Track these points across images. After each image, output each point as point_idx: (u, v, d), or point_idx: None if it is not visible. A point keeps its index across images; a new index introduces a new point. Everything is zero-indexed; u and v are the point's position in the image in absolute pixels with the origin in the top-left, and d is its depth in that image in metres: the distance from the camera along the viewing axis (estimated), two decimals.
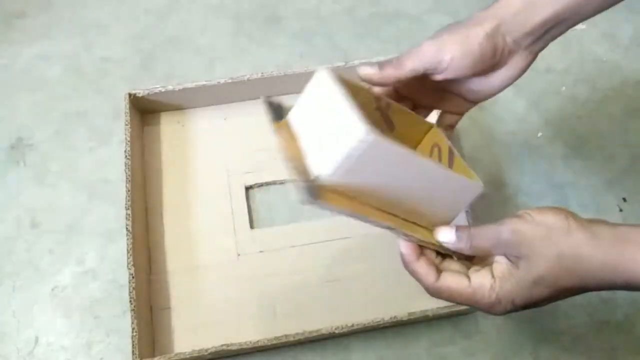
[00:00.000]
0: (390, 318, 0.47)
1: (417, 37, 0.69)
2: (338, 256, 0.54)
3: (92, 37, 0.68)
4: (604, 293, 0.54)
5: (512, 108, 0.64)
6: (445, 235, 0.36)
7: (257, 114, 0.61)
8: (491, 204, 0.58)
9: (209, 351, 0.46)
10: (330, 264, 0.54)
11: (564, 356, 0.52)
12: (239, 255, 0.54)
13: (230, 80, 0.57)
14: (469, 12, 0.71)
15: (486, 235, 0.34)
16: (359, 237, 0.55)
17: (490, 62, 0.39)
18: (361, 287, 0.53)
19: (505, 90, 0.68)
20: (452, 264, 0.37)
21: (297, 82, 0.58)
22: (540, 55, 0.68)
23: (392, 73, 0.38)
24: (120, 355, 0.50)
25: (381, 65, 0.38)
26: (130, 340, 0.46)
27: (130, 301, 0.47)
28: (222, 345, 0.46)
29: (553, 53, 0.68)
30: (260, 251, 0.54)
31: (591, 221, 0.33)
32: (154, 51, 0.67)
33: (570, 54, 0.68)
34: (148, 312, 0.51)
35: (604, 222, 0.34)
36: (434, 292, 0.35)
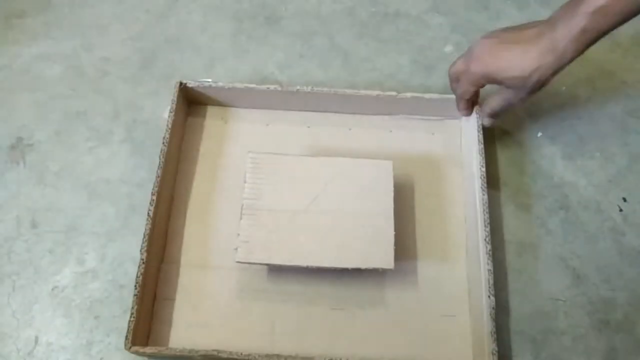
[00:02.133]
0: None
1: (417, 37, 0.69)
2: (348, 284, 0.53)
3: (92, 37, 0.68)
4: (604, 292, 0.54)
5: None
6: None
7: (298, 125, 0.61)
8: (491, 204, 0.58)
9: (200, 353, 0.46)
10: (338, 290, 0.53)
11: (564, 356, 0.52)
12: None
13: (280, 89, 0.58)
14: (469, 12, 0.71)
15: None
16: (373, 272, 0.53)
17: None
18: (365, 321, 0.52)
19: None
20: None
21: (344, 102, 0.59)
22: None
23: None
24: (120, 355, 0.51)
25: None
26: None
27: (135, 285, 0.48)
28: (212, 350, 0.46)
29: None
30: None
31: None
32: (154, 51, 0.67)
33: None
34: (151, 300, 0.51)
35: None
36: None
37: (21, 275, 0.54)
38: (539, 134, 0.63)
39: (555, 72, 0.46)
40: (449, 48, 0.68)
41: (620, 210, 0.59)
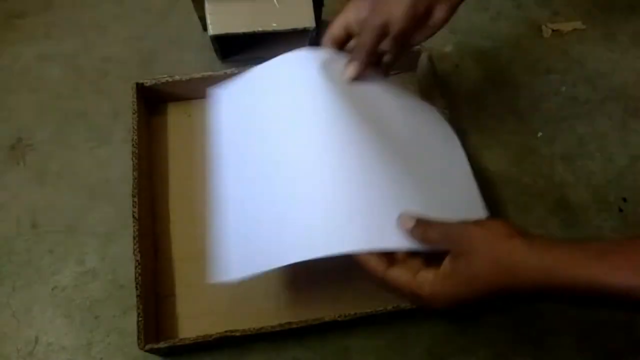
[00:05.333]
0: (393, 307, 0.48)
1: None
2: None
3: (92, 37, 0.68)
4: None
5: (512, 108, 0.64)
6: (405, 222, 0.38)
7: None
8: (491, 205, 0.58)
9: (213, 337, 0.46)
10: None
11: (564, 356, 0.52)
12: None
13: (237, 71, 0.57)
14: (468, 12, 0.71)
15: (438, 228, 0.37)
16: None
17: (420, 18, 0.43)
18: (365, 278, 0.53)
19: (506, 91, 0.68)
20: (407, 262, 0.38)
21: None
22: (540, 55, 0.68)
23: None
24: (120, 355, 0.51)
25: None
26: (130, 337, 0.46)
27: (136, 287, 0.48)
28: (225, 332, 0.46)
29: (553, 53, 0.68)
30: None
31: (532, 234, 0.35)
32: (154, 51, 0.67)
33: (570, 54, 0.68)
34: (153, 299, 0.51)
35: (543, 236, 0.36)
36: (382, 283, 0.37)
37: (21, 275, 0.54)
38: (539, 134, 0.63)
39: None
40: (449, 48, 0.68)
41: (620, 210, 0.59)
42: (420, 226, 0.37)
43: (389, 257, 0.38)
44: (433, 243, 0.37)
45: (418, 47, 0.62)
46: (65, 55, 0.66)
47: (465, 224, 0.37)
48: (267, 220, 0.42)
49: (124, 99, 0.60)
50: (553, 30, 0.69)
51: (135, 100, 0.56)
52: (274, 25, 0.59)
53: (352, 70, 0.46)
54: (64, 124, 0.62)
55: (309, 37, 0.62)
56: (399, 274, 0.37)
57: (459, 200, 0.45)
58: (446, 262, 0.36)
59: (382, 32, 0.43)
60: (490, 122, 0.63)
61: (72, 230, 0.56)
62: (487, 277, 0.34)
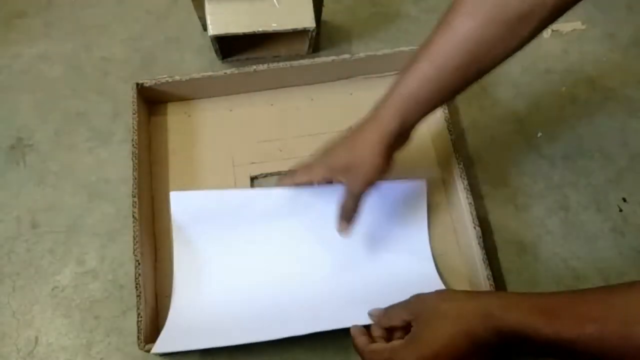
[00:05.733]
0: None
1: (417, 37, 0.69)
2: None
3: (92, 37, 0.68)
4: None
5: (512, 108, 0.64)
6: (373, 316, 0.45)
7: (262, 105, 0.62)
8: (491, 205, 0.59)
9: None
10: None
11: None
12: None
13: (237, 72, 0.58)
14: None
15: (399, 305, 0.43)
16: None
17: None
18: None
19: (506, 91, 0.68)
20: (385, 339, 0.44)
21: (304, 73, 0.60)
22: (540, 55, 0.69)
23: (305, 180, 0.48)
24: (120, 355, 0.51)
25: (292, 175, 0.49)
26: (130, 337, 0.46)
27: (137, 287, 0.48)
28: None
29: (553, 53, 0.68)
30: None
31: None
32: (154, 51, 0.67)
33: (570, 54, 0.68)
34: (153, 299, 0.51)
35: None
36: (364, 353, 0.42)
37: (21, 275, 0.54)
38: (539, 134, 0.63)
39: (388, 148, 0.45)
40: None
41: (620, 210, 0.59)
42: (385, 315, 0.44)
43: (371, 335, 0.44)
44: (400, 320, 0.42)
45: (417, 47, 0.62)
46: (65, 55, 0.66)
47: (417, 296, 0.43)
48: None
49: (124, 99, 0.60)
50: (553, 30, 0.69)
51: (135, 100, 0.56)
52: (274, 26, 0.59)
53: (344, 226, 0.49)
54: (64, 124, 0.62)
55: (309, 37, 0.62)
56: (376, 346, 0.42)
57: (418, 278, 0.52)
58: (410, 333, 0.41)
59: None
60: (491, 122, 0.63)
61: (72, 230, 0.56)
62: (443, 333, 0.38)
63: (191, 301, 0.50)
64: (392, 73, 0.63)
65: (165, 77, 0.58)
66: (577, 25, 0.70)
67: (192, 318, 0.48)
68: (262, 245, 0.53)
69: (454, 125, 0.60)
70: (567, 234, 0.57)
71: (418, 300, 0.42)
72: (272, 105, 0.62)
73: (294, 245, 0.53)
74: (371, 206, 0.53)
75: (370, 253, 0.54)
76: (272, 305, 0.50)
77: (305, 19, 0.59)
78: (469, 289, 0.50)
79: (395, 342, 0.41)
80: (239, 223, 0.52)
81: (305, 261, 0.53)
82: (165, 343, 0.45)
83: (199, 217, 0.51)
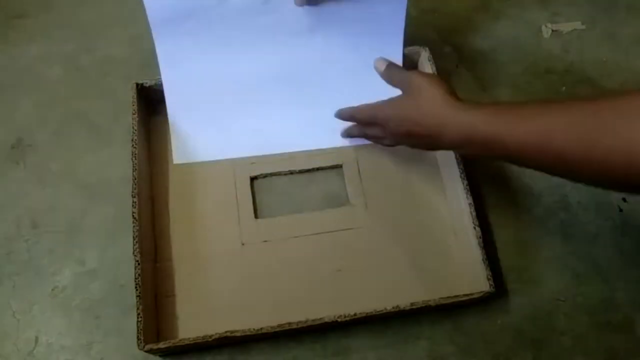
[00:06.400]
0: (393, 307, 0.48)
1: (416, 37, 0.69)
2: (342, 247, 0.55)
3: (92, 37, 0.68)
4: (604, 293, 0.54)
5: None
6: (380, 64, 0.52)
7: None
8: (491, 205, 0.59)
9: (213, 337, 0.46)
10: (333, 254, 0.54)
11: (564, 356, 0.52)
12: (243, 244, 0.54)
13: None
14: (468, 12, 0.71)
15: (399, 74, 0.50)
16: (363, 229, 0.56)
17: None
18: (365, 278, 0.53)
19: (506, 91, 0.68)
20: None
21: None
22: (540, 55, 0.69)
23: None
24: (120, 355, 0.51)
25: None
26: (130, 337, 0.46)
27: (136, 287, 0.48)
28: (225, 332, 0.46)
29: (553, 53, 0.68)
30: (265, 241, 0.55)
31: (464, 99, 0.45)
32: (154, 51, 0.67)
33: (570, 54, 0.68)
34: (153, 300, 0.51)
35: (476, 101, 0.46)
36: (352, 114, 0.53)
37: (21, 275, 0.54)
38: None
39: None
40: (448, 49, 0.68)
41: (620, 210, 0.59)
42: (389, 69, 0.51)
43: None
44: (394, 83, 0.50)
45: (418, 47, 0.62)
46: (65, 55, 0.66)
47: (418, 73, 0.49)
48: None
49: (124, 99, 0.60)
50: (553, 30, 0.69)
51: (135, 100, 0.56)
52: None
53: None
54: (64, 124, 0.62)
55: None
56: (362, 105, 0.51)
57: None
58: (399, 97, 0.48)
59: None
60: None
61: (72, 230, 0.56)
62: (424, 115, 0.45)
63: (187, 111, 0.57)
64: None
65: None
66: (577, 25, 0.70)
67: (197, 129, 0.57)
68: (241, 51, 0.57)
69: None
70: (567, 234, 0.57)
71: (417, 79, 0.47)
72: None
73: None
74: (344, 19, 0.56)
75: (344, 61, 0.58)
76: (268, 121, 0.59)
77: None
78: (469, 290, 0.50)
79: (380, 101, 0.49)
80: (216, 22, 0.55)
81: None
82: (182, 154, 0.55)
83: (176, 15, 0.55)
